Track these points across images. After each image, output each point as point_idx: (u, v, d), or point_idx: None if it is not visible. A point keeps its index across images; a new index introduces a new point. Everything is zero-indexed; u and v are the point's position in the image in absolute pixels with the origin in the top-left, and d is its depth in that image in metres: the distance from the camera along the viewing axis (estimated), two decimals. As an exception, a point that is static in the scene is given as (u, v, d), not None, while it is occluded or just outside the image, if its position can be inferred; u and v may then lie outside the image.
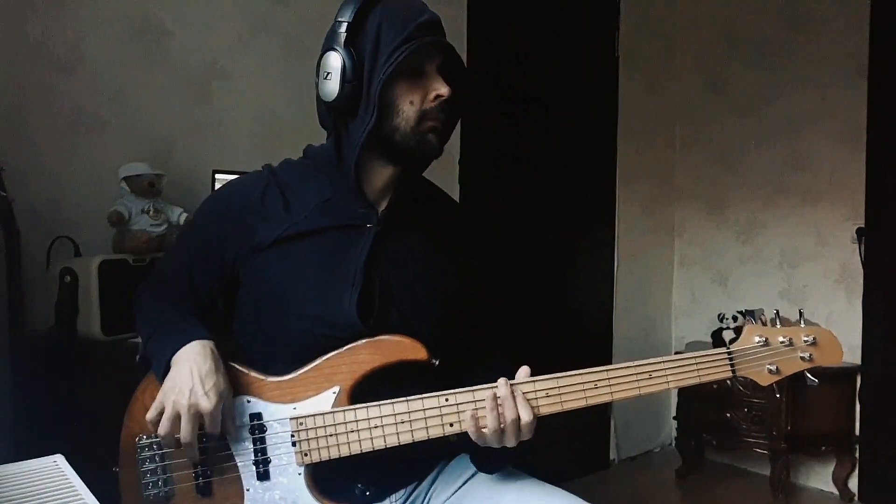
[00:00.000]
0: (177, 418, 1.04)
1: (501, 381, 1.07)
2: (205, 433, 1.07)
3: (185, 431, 1.04)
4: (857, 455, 3.06)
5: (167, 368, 1.07)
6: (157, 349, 1.10)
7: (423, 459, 1.22)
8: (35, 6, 1.90)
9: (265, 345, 1.16)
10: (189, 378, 1.04)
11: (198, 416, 1.04)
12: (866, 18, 3.04)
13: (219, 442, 1.09)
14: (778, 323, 1.12)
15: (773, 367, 1.09)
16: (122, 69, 2.05)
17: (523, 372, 1.10)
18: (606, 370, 1.08)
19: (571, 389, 1.08)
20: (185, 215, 1.88)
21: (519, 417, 1.05)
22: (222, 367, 1.08)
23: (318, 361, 1.11)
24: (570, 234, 3.35)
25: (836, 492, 3.11)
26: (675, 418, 3.38)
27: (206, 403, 1.03)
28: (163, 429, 1.05)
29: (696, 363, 1.09)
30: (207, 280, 1.20)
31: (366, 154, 1.15)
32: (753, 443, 3.01)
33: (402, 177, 1.20)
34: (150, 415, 1.06)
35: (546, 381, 1.08)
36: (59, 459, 0.97)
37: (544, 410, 1.07)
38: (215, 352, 1.09)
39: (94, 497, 0.86)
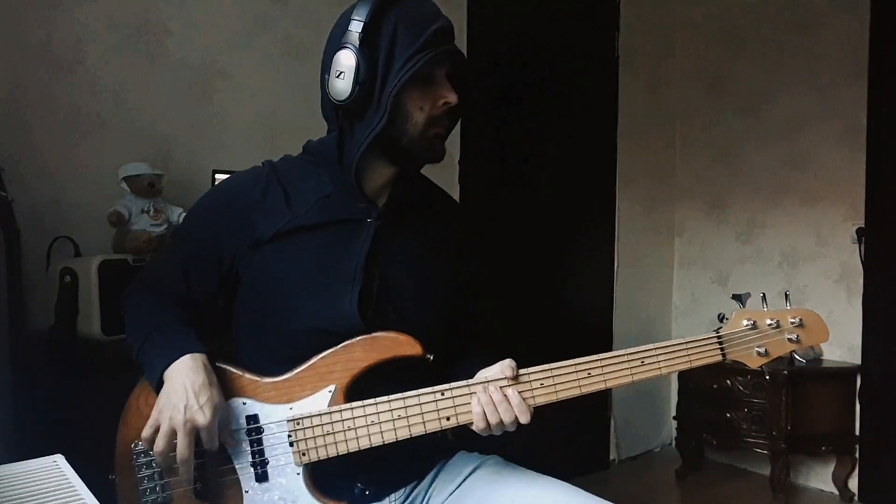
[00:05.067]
0: (172, 435, 1.03)
1: (491, 386, 1.07)
2: (201, 449, 1.06)
3: (182, 448, 1.03)
4: (857, 455, 3.06)
5: (160, 383, 1.07)
6: (149, 362, 1.09)
7: (423, 458, 1.22)
8: (35, 6, 1.91)
9: (263, 343, 1.16)
10: (183, 394, 1.03)
11: (194, 432, 1.04)
12: (866, 18, 3.03)
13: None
14: (765, 306, 1.14)
15: (762, 350, 1.11)
16: (122, 69, 2.06)
17: (508, 366, 1.09)
18: (599, 358, 1.10)
19: (565, 378, 1.09)
20: (185, 215, 1.88)
21: (516, 418, 1.07)
22: (216, 379, 1.08)
23: (313, 360, 1.11)
24: (570, 234, 3.35)
25: (836, 492, 3.11)
26: (675, 418, 3.38)
27: (202, 418, 1.03)
28: (159, 446, 1.04)
29: (687, 348, 1.11)
30: (203, 277, 1.18)
31: (367, 154, 1.14)
32: (753, 443, 3.01)
33: (400, 175, 1.20)
34: (146, 432, 1.05)
35: (540, 372, 1.09)
36: (59, 459, 0.97)
37: (539, 401, 1.08)
38: (208, 365, 1.08)
39: (93, 497, 0.86)
